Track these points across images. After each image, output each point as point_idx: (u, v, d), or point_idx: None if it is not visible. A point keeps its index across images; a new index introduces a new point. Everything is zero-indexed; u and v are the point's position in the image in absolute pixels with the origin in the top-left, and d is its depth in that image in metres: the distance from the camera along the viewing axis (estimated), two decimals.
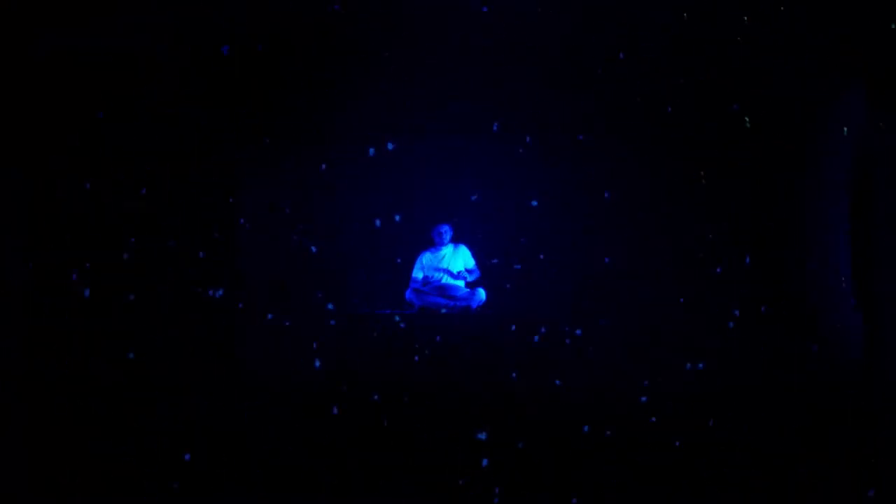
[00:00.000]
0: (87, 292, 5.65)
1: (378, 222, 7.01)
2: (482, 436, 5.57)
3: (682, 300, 5.91)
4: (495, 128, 6.58)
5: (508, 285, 7.02)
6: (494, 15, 5.67)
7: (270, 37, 5.69)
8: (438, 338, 6.12)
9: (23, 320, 5.54)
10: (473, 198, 6.99)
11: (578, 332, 6.05)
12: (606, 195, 6.24)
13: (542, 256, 6.85)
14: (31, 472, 5.37)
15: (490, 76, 5.97)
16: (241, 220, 6.15)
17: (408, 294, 6.76)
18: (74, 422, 5.52)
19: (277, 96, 6.00)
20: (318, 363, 5.96)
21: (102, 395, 5.58)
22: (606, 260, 6.25)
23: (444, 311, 6.57)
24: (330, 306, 6.32)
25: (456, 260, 6.84)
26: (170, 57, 5.66)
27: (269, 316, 6.15)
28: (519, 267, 6.95)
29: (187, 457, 5.45)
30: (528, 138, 6.73)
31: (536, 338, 6.07)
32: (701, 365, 5.73)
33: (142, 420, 5.55)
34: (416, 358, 6.02)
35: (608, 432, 5.54)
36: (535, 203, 6.88)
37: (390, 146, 6.23)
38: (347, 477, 5.45)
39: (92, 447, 5.46)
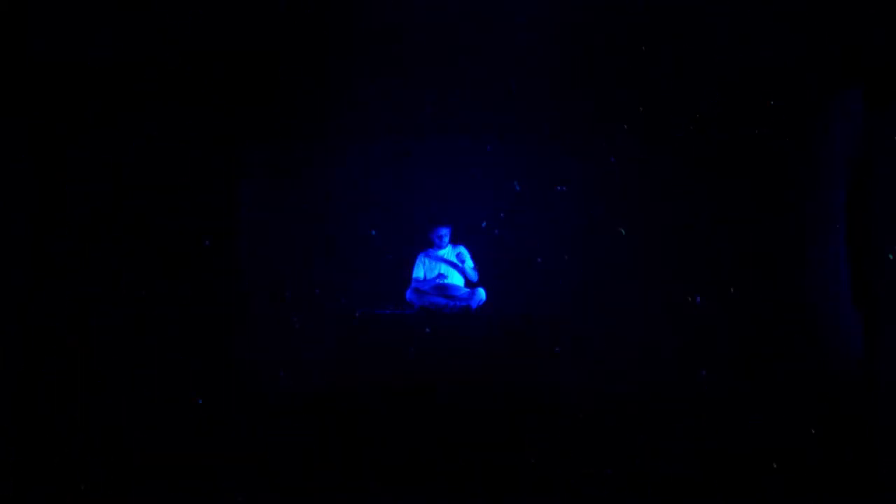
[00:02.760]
0: (86, 292, 5.66)
1: (377, 223, 7.02)
2: (484, 435, 5.57)
3: (680, 300, 5.91)
4: (497, 128, 6.60)
5: (508, 285, 7.02)
6: (495, 15, 5.68)
7: (270, 37, 5.70)
8: (438, 337, 6.13)
9: (23, 320, 5.56)
10: (484, 224, 7.01)
11: (578, 332, 6.05)
12: (605, 195, 6.25)
13: (541, 256, 6.85)
14: (31, 473, 5.38)
15: (490, 76, 5.97)
16: (242, 220, 6.15)
17: (408, 294, 6.76)
18: (73, 420, 5.53)
19: (277, 96, 6.00)
20: (317, 363, 5.97)
21: (101, 394, 5.60)
22: (607, 260, 6.25)
23: (444, 311, 6.57)
24: (330, 306, 6.33)
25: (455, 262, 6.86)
26: (169, 56, 5.67)
27: (272, 316, 6.16)
28: (518, 266, 6.94)
29: (188, 457, 5.46)
30: (529, 138, 6.74)
31: (536, 337, 6.07)
32: (700, 365, 5.73)
33: (141, 419, 5.56)
34: (416, 358, 6.02)
35: (608, 432, 5.55)
36: (535, 203, 6.88)
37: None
38: (347, 476, 5.45)
39: (91, 446, 5.47)
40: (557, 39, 5.66)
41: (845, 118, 5.61)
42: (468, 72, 5.89)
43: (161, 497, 5.31)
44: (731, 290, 5.80)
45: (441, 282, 6.69)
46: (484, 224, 7.04)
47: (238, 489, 5.35)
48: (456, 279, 6.78)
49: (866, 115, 5.39)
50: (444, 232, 6.82)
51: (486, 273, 6.97)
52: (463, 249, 6.91)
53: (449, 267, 6.80)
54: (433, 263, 6.82)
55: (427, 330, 6.21)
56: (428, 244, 6.92)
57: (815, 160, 5.81)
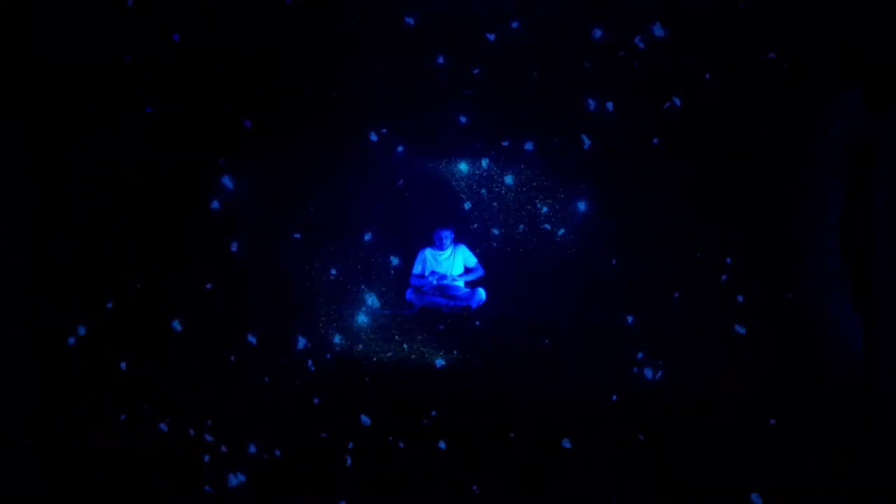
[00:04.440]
0: (86, 292, 5.67)
1: (377, 223, 7.02)
2: (484, 434, 5.58)
3: (681, 300, 5.91)
4: (497, 128, 6.60)
5: (508, 285, 7.03)
6: (495, 15, 5.68)
7: (270, 37, 5.70)
8: (438, 337, 6.13)
9: (23, 320, 5.56)
10: (468, 205, 7.01)
11: (578, 332, 6.05)
12: (606, 194, 6.25)
13: (541, 257, 6.85)
14: (31, 473, 5.38)
15: (490, 76, 5.98)
16: (242, 220, 6.16)
17: (408, 294, 6.77)
18: (73, 420, 5.54)
19: (277, 96, 6.01)
20: (317, 363, 5.97)
21: (101, 394, 5.60)
22: (607, 260, 6.25)
23: (444, 310, 6.58)
24: (329, 306, 6.33)
25: (456, 262, 6.86)
26: (169, 56, 5.67)
27: (271, 316, 6.16)
28: (518, 266, 6.95)
29: (188, 457, 5.46)
30: (529, 139, 6.75)
31: (536, 337, 6.08)
32: (701, 365, 5.73)
33: (142, 419, 5.57)
34: (416, 357, 6.03)
35: (608, 432, 5.55)
36: (537, 202, 6.88)
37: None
38: (347, 476, 5.45)
39: (91, 446, 5.48)
40: (555, 39, 5.66)
41: (845, 118, 5.61)
42: (468, 72, 5.89)
43: (161, 497, 5.32)
44: (732, 289, 5.80)
45: (441, 283, 6.70)
46: (476, 219, 7.05)
47: (238, 489, 5.35)
48: (456, 280, 6.79)
49: (866, 115, 5.39)
50: (446, 234, 6.83)
51: (486, 273, 6.98)
52: (463, 248, 6.92)
53: (450, 269, 6.82)
54: (434, 265, 6.83)
55: (427, 330, 6.22)
56: (429, 243, 6.93)
57: (815, 160, 5.82)
